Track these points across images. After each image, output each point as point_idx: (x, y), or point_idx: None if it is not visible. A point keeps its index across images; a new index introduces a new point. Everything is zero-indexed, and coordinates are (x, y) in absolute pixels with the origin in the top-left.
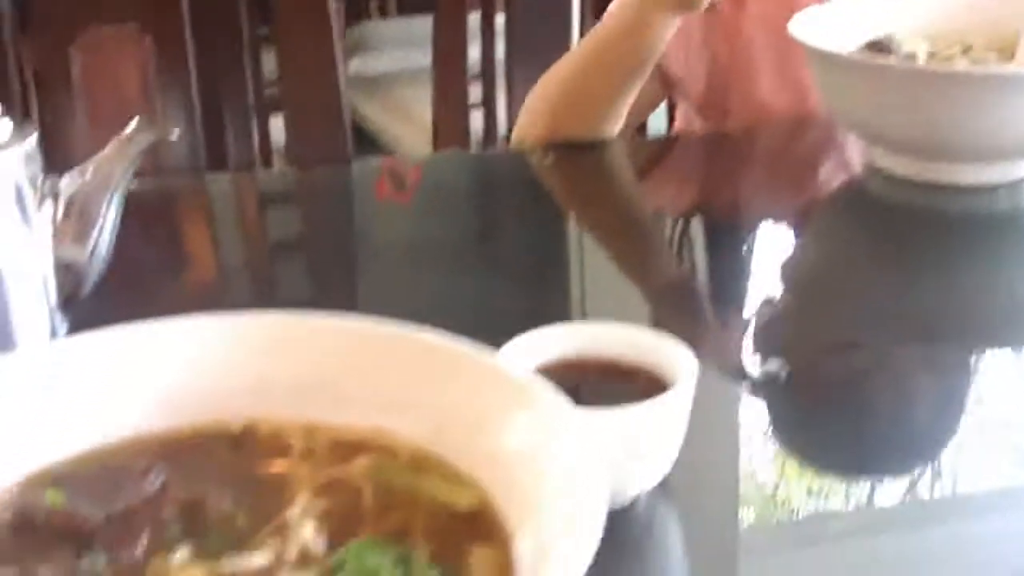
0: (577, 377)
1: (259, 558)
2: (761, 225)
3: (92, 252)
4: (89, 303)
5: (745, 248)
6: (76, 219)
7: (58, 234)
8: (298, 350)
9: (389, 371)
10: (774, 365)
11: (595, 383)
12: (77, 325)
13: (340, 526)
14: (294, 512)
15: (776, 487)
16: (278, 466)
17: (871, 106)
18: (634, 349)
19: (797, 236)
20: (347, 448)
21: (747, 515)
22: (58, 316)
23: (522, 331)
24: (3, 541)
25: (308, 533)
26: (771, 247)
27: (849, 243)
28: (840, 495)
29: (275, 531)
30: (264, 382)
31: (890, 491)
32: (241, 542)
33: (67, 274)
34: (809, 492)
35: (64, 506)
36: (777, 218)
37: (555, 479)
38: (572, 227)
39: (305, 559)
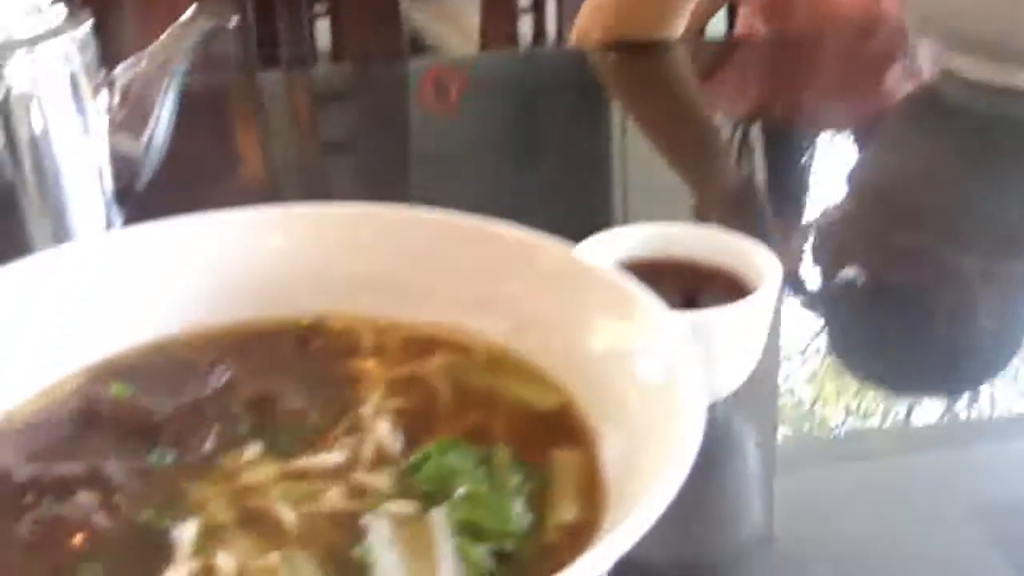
0: (655, 278)
1: (334, 456)
2: (827, 132)
3: (148, 143)
4: (144, 196)
5: (809, 154)
6: (132, 109)
7: (113, 125)
8: (370, 243)
9: (465, 265)
10: (839, 273)
11: (674, 284)
12: (132, 218)
13: (416, 425)
14: (368, 410)
15: (836, 399)
16: (349, 363)
17: (949, 2)
18: (713, 250)
19: (865, 143)
20: (420, 346)
21: (810, 425)
22: (114, 208)
23: (583, 235)
24: (68, 435)
25: (384, 431)
26: (837, 154)
27: (919, 150)
28: (902, 410)
29: (349, 429)
30: (334, 276)
31: (934, 409)
32: (313, 440)
33: (123, 165)
34: (852, 410)
35: (129, 399)
36: (844, 125)
37: (648, 382)
38: (630, 128)
39: (381, 458)
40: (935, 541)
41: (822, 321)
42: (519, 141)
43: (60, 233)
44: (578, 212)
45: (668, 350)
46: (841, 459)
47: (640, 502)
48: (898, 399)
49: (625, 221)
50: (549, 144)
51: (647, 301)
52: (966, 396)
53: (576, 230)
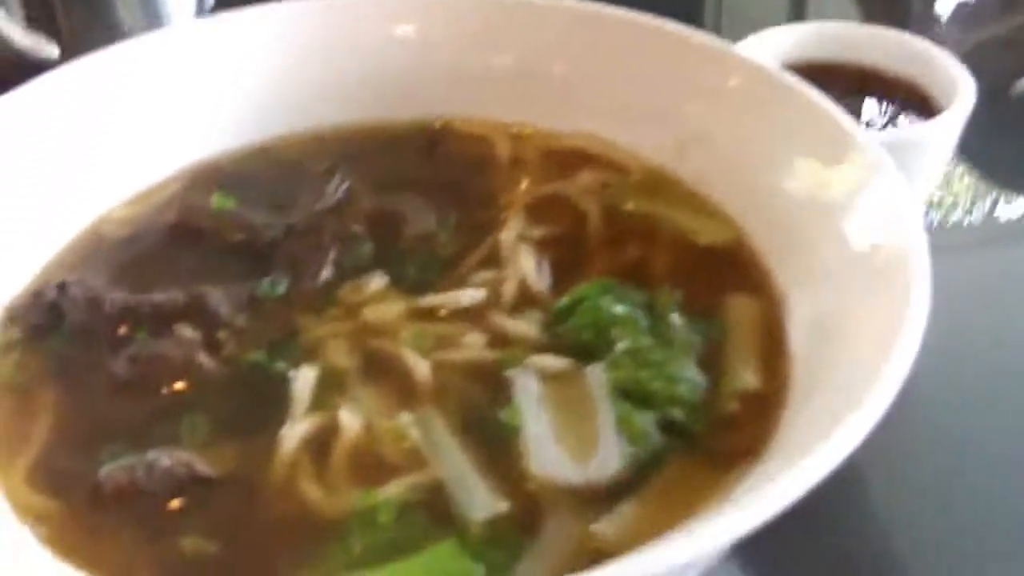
0: (827, 85)
1: (470, 294)
2: None
3: None
4: None
5: None
6: None
7: None
8: (514, 35)
9: (629, 69)
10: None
11: (848, 93)
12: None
13: (564, 258)
14: (507, 236)
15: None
16: (483, 177)
17: None
18: (892, 56)
19: None
20: (566, 160)
21: None
22: None
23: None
24: (164, 253)
25: (527, 265)
26: None
27: None
28: None
29: (485, 260)
30: (469, 74)
31: None
32: (445, 271)
33: None
34: None
35: (233, 213)
36: None
37: (857, 239)
38: None
39: (525, 298)
40: None
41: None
42: None
43: (152, 18)
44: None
45: (888, 204)
46: None
47: (859, 393)
48: None
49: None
50: None
51: (863, 141)
52: None
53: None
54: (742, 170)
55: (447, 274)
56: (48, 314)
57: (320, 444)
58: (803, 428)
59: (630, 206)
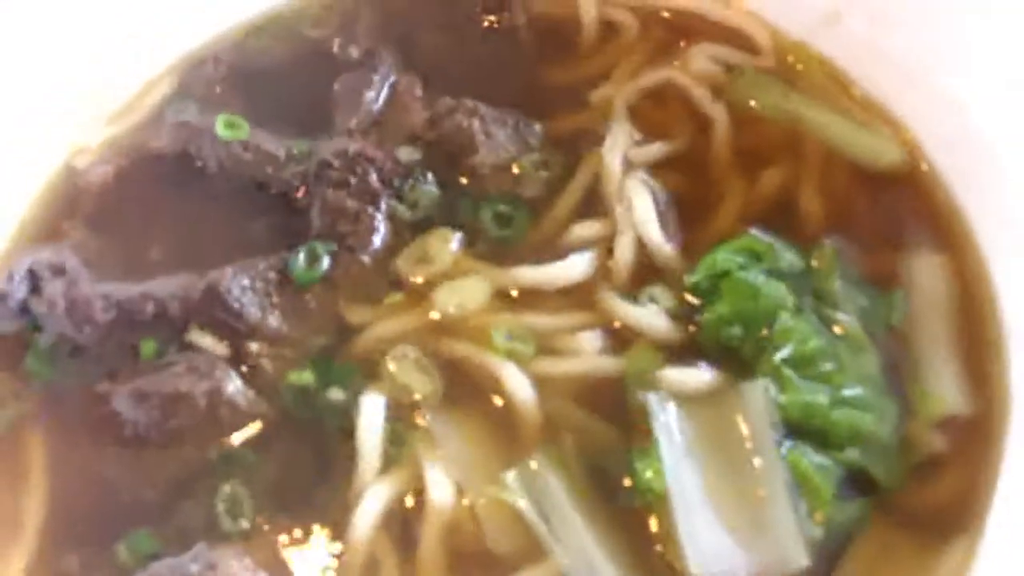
0: None
1: (576, 267)
2: None
3: None
4: None
5: None
6: None
7: None
8: None
9: None
10: None
11: None
12: None
13: (688, 193)
14: (612, 160)
15: None
16: (565, 57)
17: None
18: None
19: None
20: (670, 28)
21: None
22: None
23: None
24: (159, 198)
25: (644, 209)
26: None
27: None
28: None
29: (585, 197)
30: None
31: None
32: (533, 220)
33: None
34: None
35: (241, 144)
36: None
37: None
38: None
39: (646, 265)
40: None
41: None
42: None
43: None
44: None
45: None
46: None
47: None
48: None
49: None
50: None
51: None
52: None
53: None
54: (920, 50)
55: (537, 226)
56: (19, 318)
57: (403, 522)
58: None
59: (764, 104)
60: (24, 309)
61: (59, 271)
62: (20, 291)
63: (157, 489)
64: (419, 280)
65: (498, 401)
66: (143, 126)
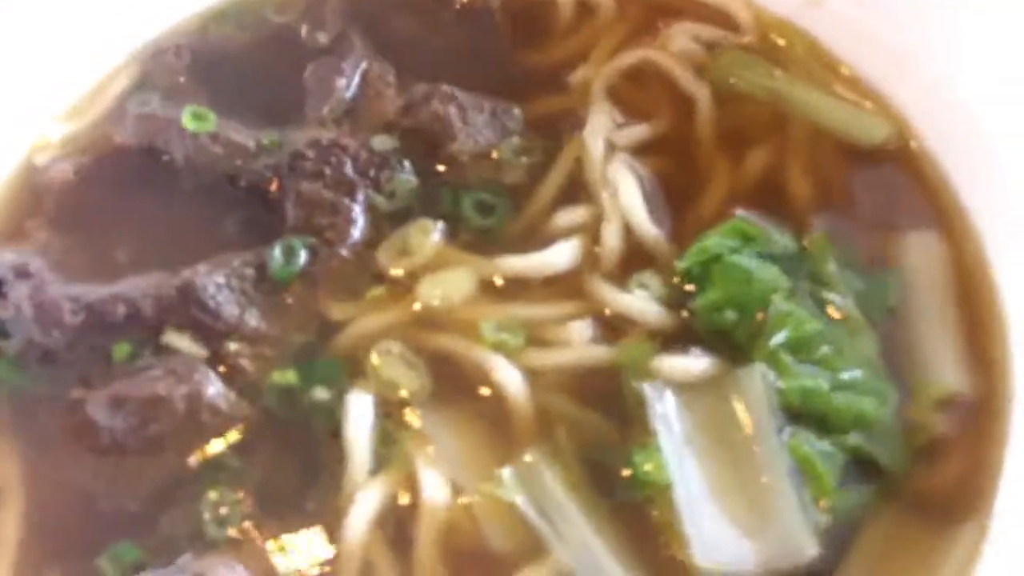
0: None
1: (563, 254)
2: None
3: None
4: None
5: None
6: None
7: None
8: None
9: None
10: None
11: None
12: None
13: (673, 175)
14: (594, 143)
15: None
16: (541, 38)
17: None
18: None
19: None
20: (649, 4)
21: None
22: None
23: None
24: (126, 195)
25: (630, 194)
26: None
27: None
28: None
29: (569, 183)
30: None
31: None
32: (515, 208)
33: None
34: None
35: (217, 138)
36: None
37: None
38: None
39: (634, 251)
40: None
41: None
42: None
43: None
44: None
45: None
46: None
47: None
48: None
49: None
50: None
51: None
52: None
53: None
54: (907, 28)
55: (519, 214)
56: None
57: (397, 523)
58: None
59: (748, 83)
60: None
61: (24, 273)
62: None
63: (139, 498)
64: (401, 273)
65: (489, 395)
66: (104, 120)
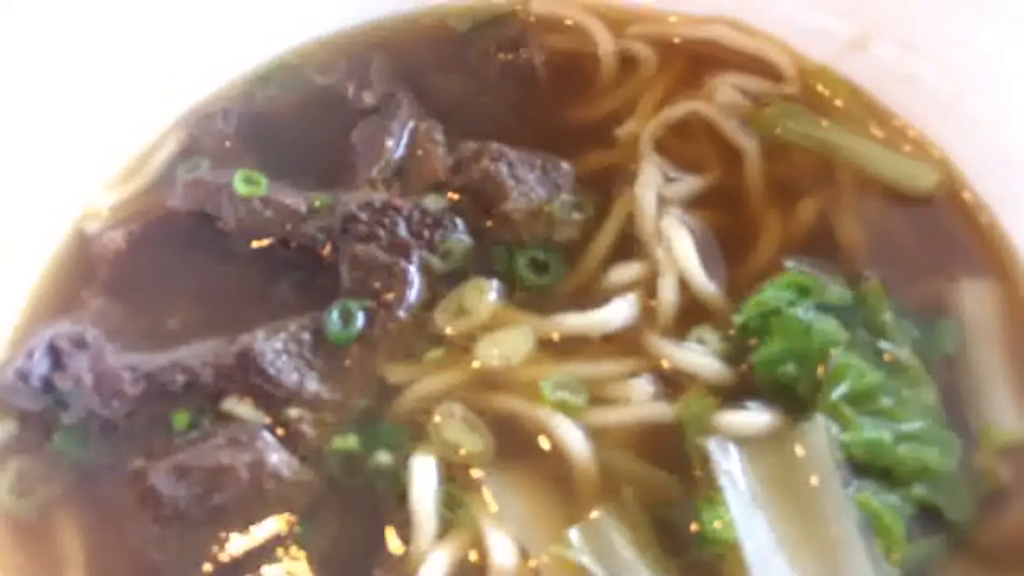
0: None
1: (621, 312)
2: None
3: None
4: None
5: None
6: None
7: None
8: None
9: None
10: None
11: None
12: None
13: (726, 227)
14: (646, 197)
15: None
16: (585, 91)
17: None
18: None
19: None
20: (690, 55)
21: None
22: None
23: None
24: (177, 261)
25: (684, 248)
26: None
27: None
28: None
29: (621, 239)
30: None
31: None
32: (570, 265)
33: None
34: None
35: (268, 202)
36: None
37: None
38: None
39: (691, 306)
40: None
41: None
42: None
43: None
44: None
45: None
46: None
47: None
48: None
49: None
50: None
51: None
52: None
53: None
54: (951, 71)
55: (574, 271)
56: (42, 396)
57: None
58: None
59: (794, 133)
60: (47, 386)
61: (81, 343)
62: (41, 367)
63: (203, 569)
64: (458, 333)
65: (552, 454)
66: (153, 186)
